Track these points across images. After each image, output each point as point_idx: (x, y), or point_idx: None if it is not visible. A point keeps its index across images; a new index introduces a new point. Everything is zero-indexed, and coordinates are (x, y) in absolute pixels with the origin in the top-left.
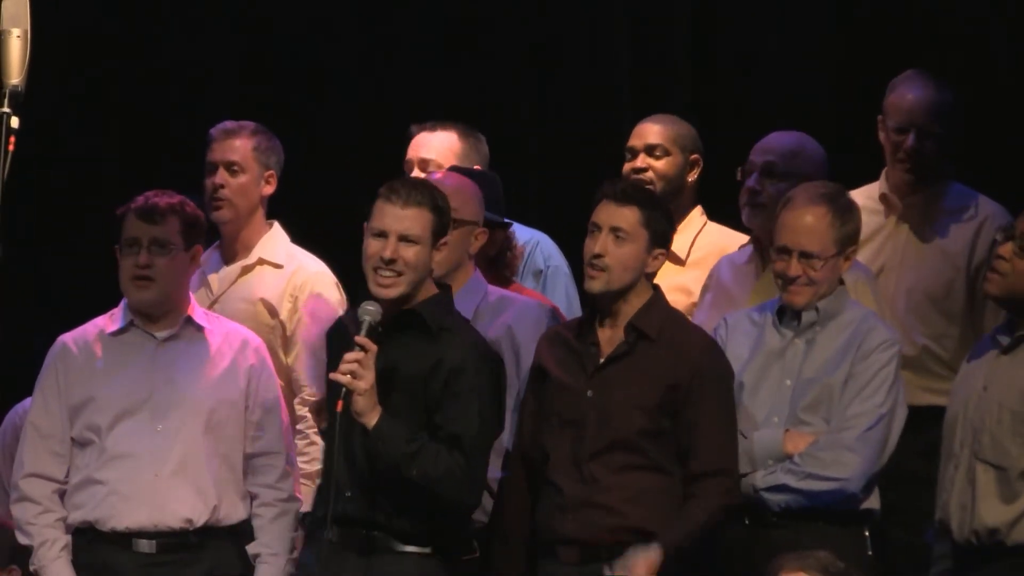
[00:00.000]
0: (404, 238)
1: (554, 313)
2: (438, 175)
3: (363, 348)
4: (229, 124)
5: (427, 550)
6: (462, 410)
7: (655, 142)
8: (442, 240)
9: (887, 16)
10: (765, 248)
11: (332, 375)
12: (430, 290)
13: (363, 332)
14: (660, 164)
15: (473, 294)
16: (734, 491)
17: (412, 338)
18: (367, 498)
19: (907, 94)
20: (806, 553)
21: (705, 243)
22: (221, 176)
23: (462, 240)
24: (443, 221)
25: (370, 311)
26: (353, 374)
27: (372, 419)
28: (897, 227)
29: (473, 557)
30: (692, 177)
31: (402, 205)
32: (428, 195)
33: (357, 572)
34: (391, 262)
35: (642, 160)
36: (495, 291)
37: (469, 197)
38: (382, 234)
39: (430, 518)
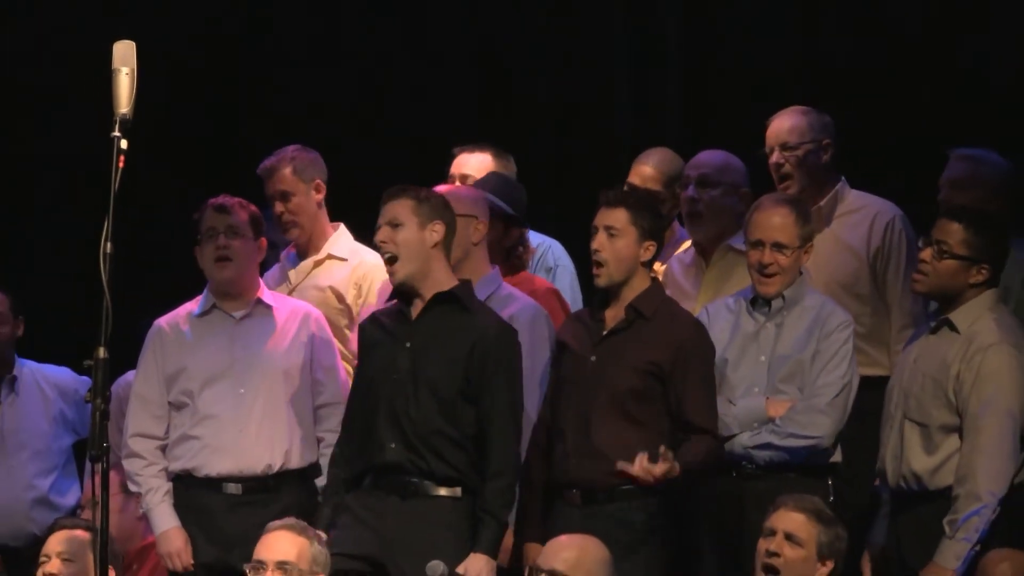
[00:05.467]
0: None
1: (547, 317)
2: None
3: None
4: (269, 160)
5: (457, 492)
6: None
7: (654, 188)
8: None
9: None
10: (705, 251)
11: None
12: (450, 280)
13: None
14: None
15: (489, 284)
16: (717, 449)
17: (446, 315)
18: (409, 449)
19: (770, 123)
20: (803, 496)
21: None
22: (279, 206)
23: (460, 232)
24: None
25: (435, 567)
26: None
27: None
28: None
29: None
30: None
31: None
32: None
33: (399, 514)
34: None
35: None
36: (508, 288)
37: (459, 197)
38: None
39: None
